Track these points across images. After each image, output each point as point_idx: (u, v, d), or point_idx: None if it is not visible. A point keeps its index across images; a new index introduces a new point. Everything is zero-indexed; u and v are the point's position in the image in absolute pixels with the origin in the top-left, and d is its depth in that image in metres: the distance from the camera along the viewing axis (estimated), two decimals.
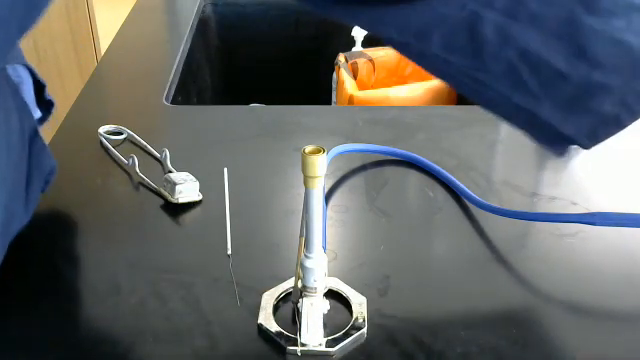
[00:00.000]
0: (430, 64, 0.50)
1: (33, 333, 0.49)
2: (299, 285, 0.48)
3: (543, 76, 0.46)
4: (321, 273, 0.47)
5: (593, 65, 0.45)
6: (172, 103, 0.86)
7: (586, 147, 0.50)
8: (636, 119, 0.47)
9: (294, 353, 0.47)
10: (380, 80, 1.16)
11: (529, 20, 0.45)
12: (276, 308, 0.51)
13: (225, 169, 0.68)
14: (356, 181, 0.68)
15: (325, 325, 0.48)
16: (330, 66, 1.14)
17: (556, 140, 0.51)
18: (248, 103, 1.25)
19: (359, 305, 0.51)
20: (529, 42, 0.45)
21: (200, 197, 0.63)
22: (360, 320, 0.49)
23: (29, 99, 0.60)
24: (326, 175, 0.43)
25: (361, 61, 1.14)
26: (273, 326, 0.48)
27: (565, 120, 0.48)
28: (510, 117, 0.52)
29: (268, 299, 0.51)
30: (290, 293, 0.51)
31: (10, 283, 0.54)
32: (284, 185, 0.68)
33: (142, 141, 0.72)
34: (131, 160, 0.67)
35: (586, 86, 0.46)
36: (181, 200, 0.63)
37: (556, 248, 0.58)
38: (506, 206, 0.61)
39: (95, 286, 0.53)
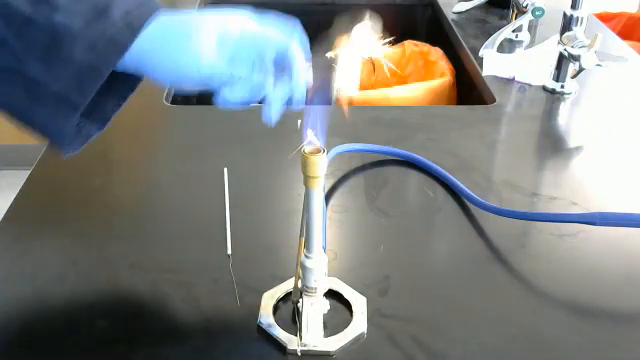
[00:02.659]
0: None
1: (35, 333, 0.49)
2: (299, 285, 0.48)
3: (15, 25, 0.45)
4: (321, 273, 0.47)
5: (53, 7, 0.46)
6: (172, 103, 0.86)
7: (79, 104, 0.47)
8: (113, 66, 0.47)
9: (294, 353, 0.47)
10: (380, 80, 1.16)
11: None
12: (276, 308, 0.51)
13: (225, 169, 0.68)
14: (356, 181, 0.68)
15: (325, 325, 0.48)
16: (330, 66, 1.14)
17: (56, 107, 0.48)
18: None
19: (359, 305, 0.51)
20: None
21: None
22: (360, 320, 0.49)
23: None
24: (326, 175, 0.43)
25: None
26: (273, 326, 0.48)
27: (53, 76, 0.47)
28: (8, 97, 0.48)
29: (268, 299, 0.51)
30: (290, 293, 0.51)
31: (11, 280, 0.54)
32: (284, 185, 0.68)
33: None
34: None
35: (53, 30, 0.46)
36: None
37: (556, 248, 0.58)
38: (506, 206, 0.61)
39: (95, 286, 0.53)
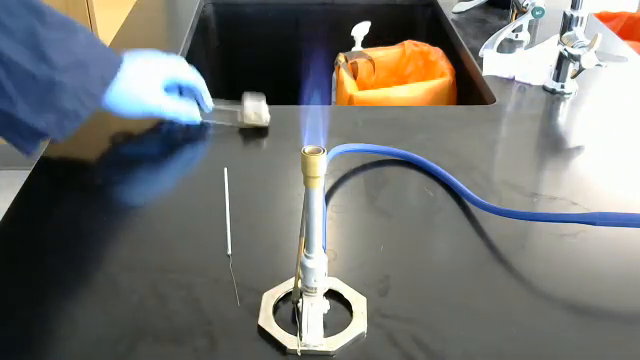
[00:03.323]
0: None
1: (34, 333, 0.49)
2: (299, 285, 0.48)
3: (17, 77, 0.57)
4: (321, 273, 0.47)
5: (52, 67, 0.59)
6: None
7: (58, 139, 0.63)
8: (90, 113, 0.63)
9: (294, 353, 0.47)
10: (380, 80, 1.16)
11: (0, 29, 0.56)
12: (276, 308, 0.51)
13: (225, 169, 0.68)
14: (356, 181, 0.68)
15: (325, 325, 0.48)
16: (330, 66, 1.14)
17: (30, 136, 0.62)
18: None
19: (359, 305, 0.51)
20: (2, 47, 0.56)
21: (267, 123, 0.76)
22: (360, 320, 0.49)
23: None
24: (326, 175, 0.43)
25: (361, 61, 1.14)
26: (273, 326, 0.48)
27: (38, 117, 0.60)
28: None
29: (268, 299, 0.51)
30: (290, 293, 0.51)
31: (11, 281, 0.54)
32: (284, 185, 0.68)
33: None
34: None
35: (49, 85, 0.59)
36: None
37: (556, 248, 0.58)
38: (506, 206, 0.61)
39: (95, 286, 0.53)
